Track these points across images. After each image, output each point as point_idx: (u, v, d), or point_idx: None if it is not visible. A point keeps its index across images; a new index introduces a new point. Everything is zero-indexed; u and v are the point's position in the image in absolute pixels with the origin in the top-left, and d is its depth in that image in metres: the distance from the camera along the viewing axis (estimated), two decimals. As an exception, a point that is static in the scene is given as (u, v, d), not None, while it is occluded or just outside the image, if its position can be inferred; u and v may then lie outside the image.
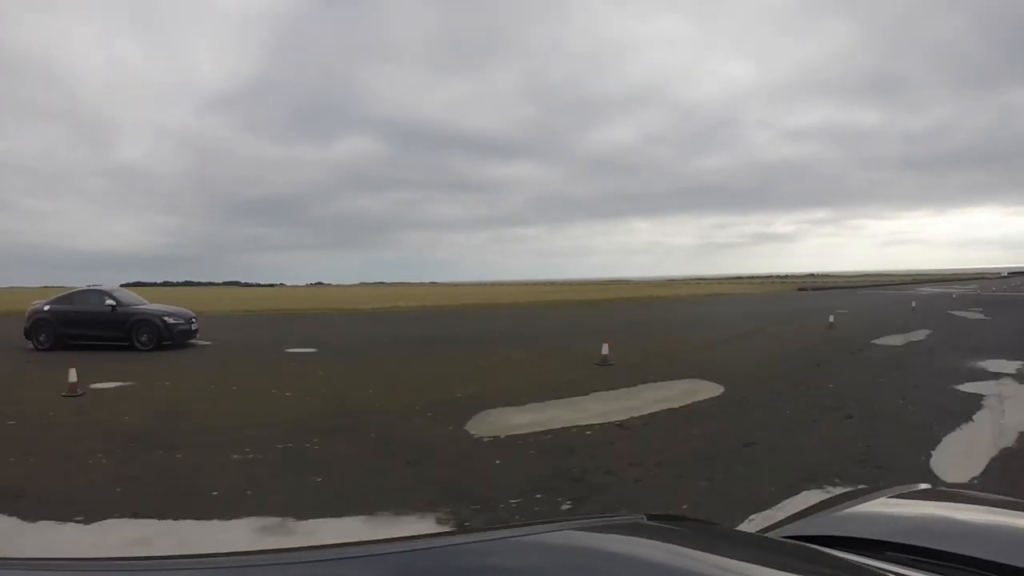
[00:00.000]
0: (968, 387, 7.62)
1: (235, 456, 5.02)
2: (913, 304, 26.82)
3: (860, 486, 3.06)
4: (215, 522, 3.67)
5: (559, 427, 5.95)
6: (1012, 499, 1.22)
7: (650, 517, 0.93)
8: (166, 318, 13.38)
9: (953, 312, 22.39)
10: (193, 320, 14.13)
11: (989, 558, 0.83)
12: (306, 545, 0.66)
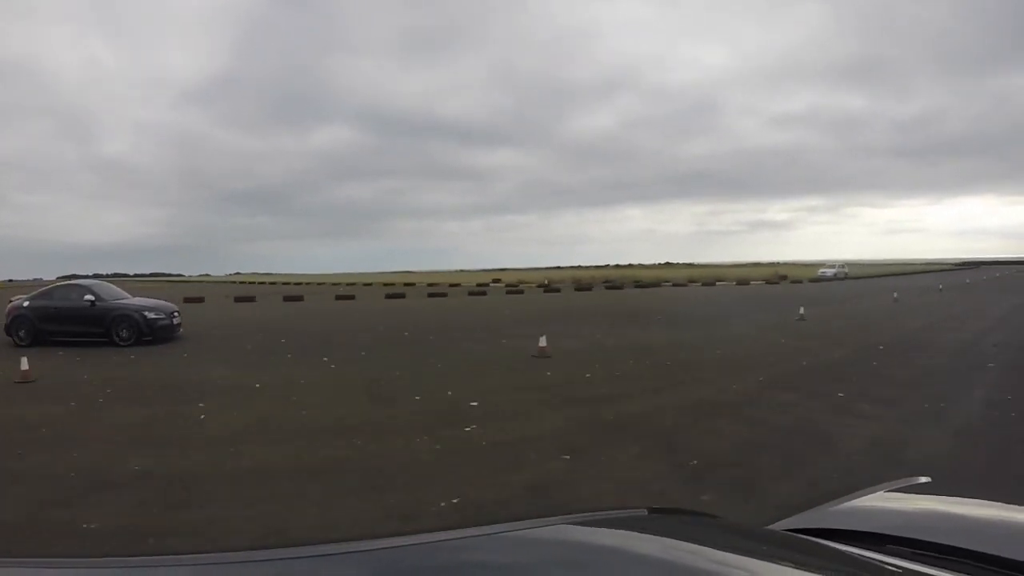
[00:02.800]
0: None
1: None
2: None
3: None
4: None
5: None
6: (1011, 496, 1.23)
7: (652, 511, 0.92)
8: (146, 313, 12.92)
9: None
10: (175, 314, 13.68)
11: (987, 551, 0.83)
12: (305, 543, 0.66)
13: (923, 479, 1.25)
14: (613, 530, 0.80)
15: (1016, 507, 1.08)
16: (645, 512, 0.91)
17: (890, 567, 0.78)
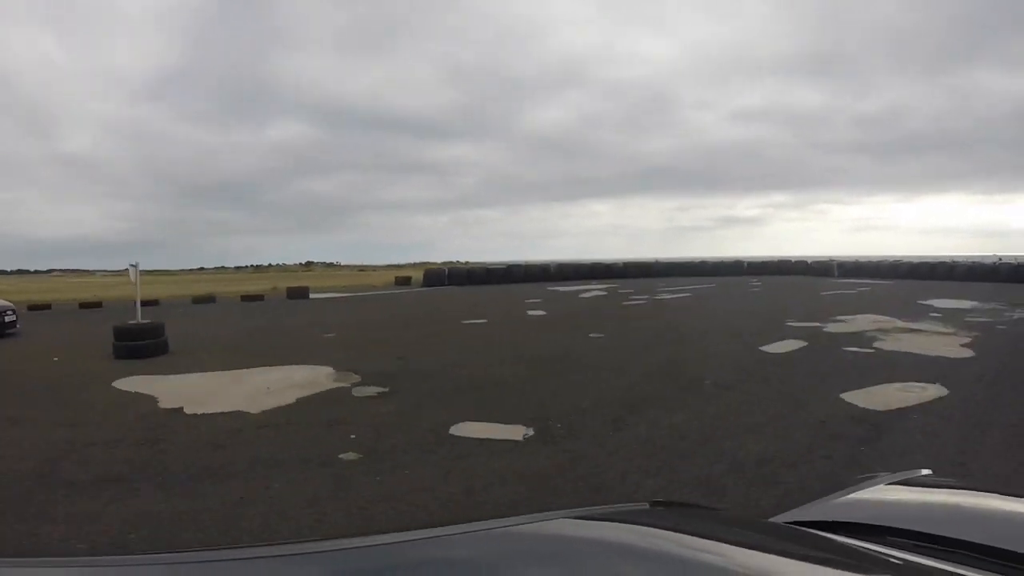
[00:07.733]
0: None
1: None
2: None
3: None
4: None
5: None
6: (1011, 486, 1.25)
7: (653, 504, 0.93)
8: None
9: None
10: (6, 312, 13.54)
11: (989, 543, 0.83)
12: (304, 540, 0.66)
13: (924, 471, 1.25)
14: (615, 523, 0.80)
15: (1018, 499, 1.08)
16: (646, 506, 0.92)
17: (891, 559, 0.78)
